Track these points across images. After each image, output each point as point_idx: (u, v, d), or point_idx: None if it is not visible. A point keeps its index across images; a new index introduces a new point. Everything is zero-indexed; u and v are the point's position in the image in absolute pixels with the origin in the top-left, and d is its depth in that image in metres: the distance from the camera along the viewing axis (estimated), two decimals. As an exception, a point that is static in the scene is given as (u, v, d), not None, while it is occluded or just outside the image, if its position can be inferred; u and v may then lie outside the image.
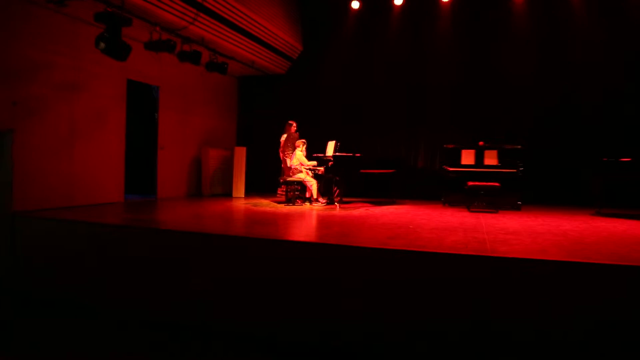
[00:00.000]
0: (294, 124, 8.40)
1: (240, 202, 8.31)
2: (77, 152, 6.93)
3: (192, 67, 8.60)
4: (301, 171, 7.79)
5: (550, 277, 3.55)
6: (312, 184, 7.70)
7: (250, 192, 9.91)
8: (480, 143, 8.07)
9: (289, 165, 7.96)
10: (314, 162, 7.92)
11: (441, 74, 9.22)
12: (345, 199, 7.94)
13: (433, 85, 9.28)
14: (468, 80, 9.04)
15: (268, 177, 10.08)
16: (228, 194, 9.62)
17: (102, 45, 5.90)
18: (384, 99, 9.60)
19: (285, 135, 8.36)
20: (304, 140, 8.01)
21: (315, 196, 7.68)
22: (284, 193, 8.30)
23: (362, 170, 7.98)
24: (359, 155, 7.81)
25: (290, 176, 7.85)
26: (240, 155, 9.32)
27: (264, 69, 10.07)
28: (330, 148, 8.09)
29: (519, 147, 7.82)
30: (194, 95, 9.57)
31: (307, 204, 7.90)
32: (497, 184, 7.23)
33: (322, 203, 7.89)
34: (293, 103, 10.29)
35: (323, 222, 5.95)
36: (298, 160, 7.80)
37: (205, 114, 10.00)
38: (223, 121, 10.67)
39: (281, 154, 8.41)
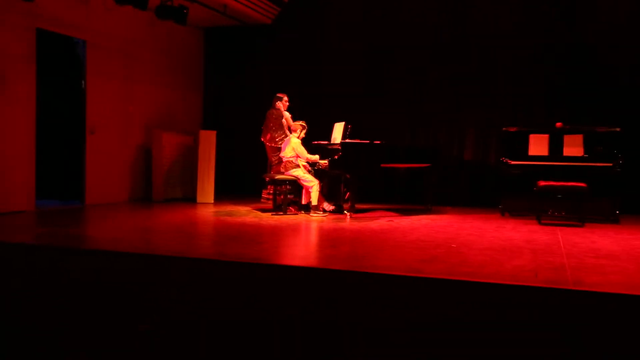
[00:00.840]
0: (285, 98, 8.36)
1: (209, 209, 8.30)
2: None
3: (136, 12, 8.58)
4: (298, 165, 7.76)
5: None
6: (313, 185, 7.66)
7: (223, 195, 9.89)
8: (558, 124, 8.01)
9: (280, 156, 7.93)
10: (316, 156, 7.88)
11: (496, 21, 9.17)
12: (358, 206, 7.92)
13: (485, 40, 9.22)
14: (535, 32, 8.97)
15: (248, 174, 10.05)
16: (190, 198, 9.60)
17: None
18: (415, 62, 9.56)
19: (267, 114, 8.35)
20: (302, 123, 7.92)
21: (315, 202, 7.65)
22: (271, 197, 8.28)
23: (383, 165, 7.94)
24: (378, 142, 7.76)
25: (282, 173, 7.81)
26: (208, 142, 9.30)
27: (241, 16, 10.04)
28: (338, 132, 8.04)
29: (617, 129, 7.76)
30: (139, 55, 9.55)
31: (304, 212, 7.87)
32: (582, 184, 7.18)
33: (324, 212, 7.84)
34: (284, 66, 10.25)
35: (328, 238, 5.91)
36: (294, 150, 7.74)
37: (157, 82, 9.98)
38: (183, 93, 10.64)
39: (266, 143, 8.37)
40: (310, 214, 7.65)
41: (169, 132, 9.72)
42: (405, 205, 9.00)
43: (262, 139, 8.38)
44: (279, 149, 8.10)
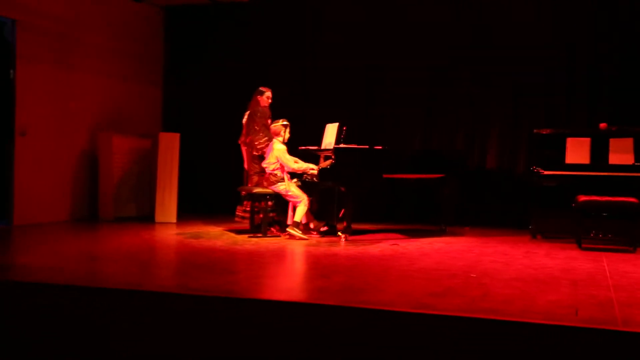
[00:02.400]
0: (268, 93, 8.34)
1: (170, 231, 8.27)
2: None
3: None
4: (282, 179, 7.73)
5: None
6: (301, 200, 7.61)
7: (188, 213, 9.87)
8: (602, 125, 8.08)
9: (263, 166, 7.88)
10: (307, 165, 7.74)
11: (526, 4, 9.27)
12: (355, 226, 7.90)
13: (510, 21, 9.30)
14: (571, 12, 9.03)
15: (220, 186, 10.03)
16: (147, 217, 9.59)
17: None
18: (425, 51, 9.61)
19: (249, 113, 8.34)
20: (283, 122, 7.78)
21: (298, 219, 7.60)
22: (247, 215, 8.27)
23: (386, 175, 7.95)
24: (380, 148, 7.79)
25: (265, 186, 7.78)
26: (170, 147, 9.30)
27: (211, -8, 10.09)
28: (331, 136, 8.05)
29: None
30: (83, 39, 9.53)
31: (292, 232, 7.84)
32: (633, 199, 7.22)
33: (304, 231, 7.82)
34: (266, 53, 10.27)
35: (318, 266, 5.90)
36: (278, 159, 7.64)
37: (106, 72, 9.97)
38: (138, 86, 10.64)
39: (243, 148, 8.36)
40: (287, 230, 7.63)
41: (121, 135, 9.70)
42: (413, 225, 9.02)
43: (240, 142, 8.36)
44: (260, 157, 8.03)
